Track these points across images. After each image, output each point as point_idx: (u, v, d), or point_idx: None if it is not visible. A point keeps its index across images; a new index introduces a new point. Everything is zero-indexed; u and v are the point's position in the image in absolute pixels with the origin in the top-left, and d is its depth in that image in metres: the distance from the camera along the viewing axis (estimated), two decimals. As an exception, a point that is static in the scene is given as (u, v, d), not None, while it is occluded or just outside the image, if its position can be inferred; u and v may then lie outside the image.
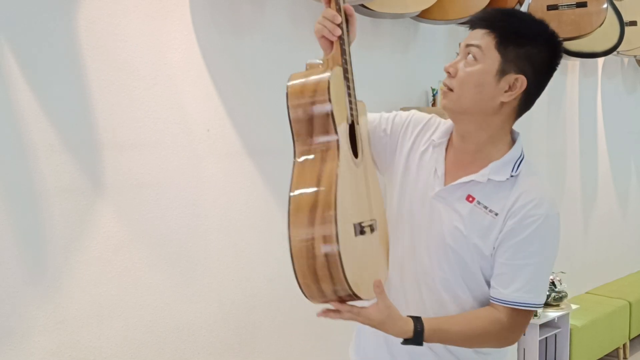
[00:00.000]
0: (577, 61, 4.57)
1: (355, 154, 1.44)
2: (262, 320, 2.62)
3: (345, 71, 1.43)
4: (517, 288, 1.42)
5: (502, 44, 1.44)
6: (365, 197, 1.45)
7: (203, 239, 2.41)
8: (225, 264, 2.48)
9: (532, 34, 1.46)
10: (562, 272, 3.96)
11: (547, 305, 3.85)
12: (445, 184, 1.48)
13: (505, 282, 1.43)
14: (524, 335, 3.72)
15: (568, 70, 4.58)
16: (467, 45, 1.46)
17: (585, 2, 3.77)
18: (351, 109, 1.44)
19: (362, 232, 1.38)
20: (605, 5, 3.78)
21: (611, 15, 4.08)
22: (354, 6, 2.54)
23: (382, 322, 1.37)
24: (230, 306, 2.50)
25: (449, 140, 1.54)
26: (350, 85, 1.45)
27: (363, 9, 2.70)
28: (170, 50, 2.29)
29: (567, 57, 4.17)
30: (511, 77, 1.44)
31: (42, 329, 2.01)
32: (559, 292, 3.87)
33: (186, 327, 2.37)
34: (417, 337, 1.39)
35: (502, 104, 1.45)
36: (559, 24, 3.82)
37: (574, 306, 4.03)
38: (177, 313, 2.34)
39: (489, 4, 3.01)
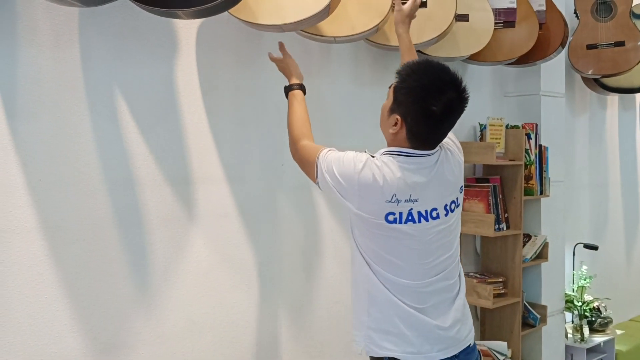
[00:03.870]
0: (616, 96, 4.76)
1: None
2: (335, 341, 2.84)
3: None
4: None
5: (395, 90, 1.83)
6: None
7: (277, 263, 2.66)
8: (298, 285, 2.72)
9: (411, 87, 1.78)
10: (608, 299, 4.09)
11: (593, 330, 3.99)
12: None
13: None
14: None
15: (608, 105, 4.76)
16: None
17: (623, 42, 3.98)
18: None
19: None
20: (642, 43, 3.98)
21: (648, 52, 4.27)
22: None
23: (282, 68, 2.29)
24: (303, 324, 2.74)
25: None
26: None
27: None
28: (252, 94, 2.57)
29: (606, 92, 4.38)
30: (395, 117, 1.82)
31: (145, 343, 2.27)
32: (604, 317, 4.00)
33: (266, 342, 2.61)
34: (287, 89, 2.19)
35: (391, 134, 1.84)
36: (598, 61, 4.03)
37: (619, 331, 4.15)
38: (257, 330, 2.58)
39: (536, 44, 3.22)
